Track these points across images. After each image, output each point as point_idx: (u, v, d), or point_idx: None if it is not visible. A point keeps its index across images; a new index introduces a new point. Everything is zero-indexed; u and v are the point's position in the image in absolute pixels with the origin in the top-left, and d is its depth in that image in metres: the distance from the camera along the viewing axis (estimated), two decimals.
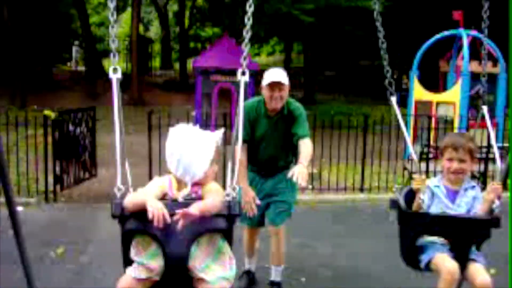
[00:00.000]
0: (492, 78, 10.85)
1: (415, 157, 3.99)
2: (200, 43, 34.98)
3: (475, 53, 12.16)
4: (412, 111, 11.53)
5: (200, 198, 2.59)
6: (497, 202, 3.25)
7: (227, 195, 2.61)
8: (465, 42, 11.21)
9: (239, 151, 2.74)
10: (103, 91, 21.43)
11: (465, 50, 11.12)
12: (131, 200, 2.53)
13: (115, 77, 2.71)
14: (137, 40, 20.85)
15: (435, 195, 3.50)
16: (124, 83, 23.89)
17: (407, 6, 21.70)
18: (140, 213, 2.48)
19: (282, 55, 34.21)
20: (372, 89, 25.70)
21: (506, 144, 9.19)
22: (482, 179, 8.91)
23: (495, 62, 11.74)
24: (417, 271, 3.57)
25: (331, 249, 5.74)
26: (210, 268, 2.59)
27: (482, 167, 8.97)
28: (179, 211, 2.40)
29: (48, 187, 7.41)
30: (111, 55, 2.75)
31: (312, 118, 8.51)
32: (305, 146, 4.04)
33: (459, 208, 3.41)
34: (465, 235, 3.25)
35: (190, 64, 26.79)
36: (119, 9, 30.16)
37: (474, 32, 11.44)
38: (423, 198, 3.42)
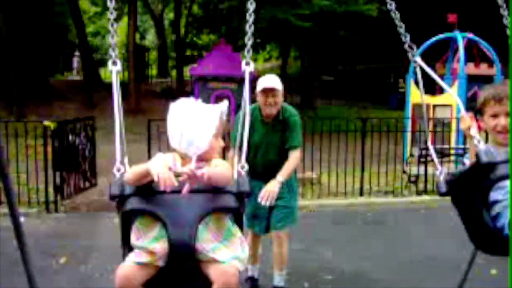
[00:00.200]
0: (488, 80, 10.91)
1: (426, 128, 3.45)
2: (196, 50, 35.00)
3: (471, 56, 12.24)
4: (410, 114, 11.57)
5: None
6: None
7: (236, 172, 2.51)
8: (461, 45, 11.28)
9: (245, 147, 2.66)
10: (100, 101, 21.48)
11: (461, 53, 11.19)
12: (132, 170, 2.37)
13: (115, 69, 2.71)
14: (134, 48, 20.91)
15: None
16: (122, 92, 23.79)
17: (402, 10, 21.80)
18: (141, 190, 2.34)
19: (278, 61, 34.27)
20: (369, 93, 25.78)
21: None
22: None
23: (491, 64, 11.81)
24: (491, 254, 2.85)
25: (332, 253, 5.76)
26: (220, 249, 2.37)
27: None
28: (186, 171, 2.25)
29: (48, 197, 7.43)
30: (110, 49, 2.76)
31: (311, 123, 8.57)
32: (291, 160, 4.23)
33: None
34: None
35: (187, 72, 26.87)
36: (115, 19, 30.24)
37: (469, 35, 11.52)
38: (478, 138, 2.57)
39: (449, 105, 10.96)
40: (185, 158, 2.46)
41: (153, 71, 36.33)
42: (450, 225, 6.98)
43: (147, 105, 20.36)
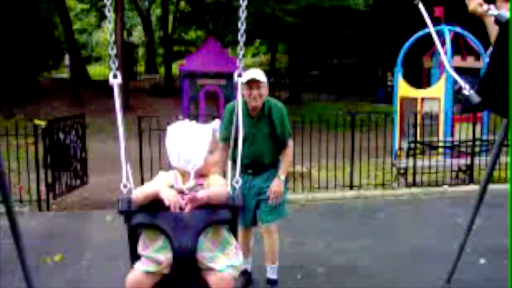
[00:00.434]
0: (475, 73, 11.02)
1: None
2: (184, 46, 34.92)
3: (458, 48, 12.35)
4: (398, 108, 11.67)
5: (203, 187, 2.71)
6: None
7: (231, 186, 2.80)
8: (448, 38, 11.37)
9: (240, 148, 2.91)
10: (88, 99, 21.41)
11: (448, 46, 11.28)
12: (142, 191, 2.64)
13: (116, 82, 2.84)
14: (122, 45, 20.83)
15: None
16: (110, 90, 23.70)
17: (390, 4, 21.91)
18: (147, 207, 2.59)
19: (267, 56, 34.32)
20: (357, 87, 25.89)
21: (491, 137, 9.35)
22: (469, 172, 9.07)
23: (477, 56, 11.92)
24: None
25: (323, 246, 5.83)
26: (219, 258, 2.66)
27: (469, 160, 9.12)
28: (188, 195, 2.55)
29: (40, 196, 7.44)
30: (111, 62, 2.83)
31: (300, 118, 8.63)
32: (287, 152, 4.44)
33: None
34: None
35: (175, 68, 26.79)
36: (102, 15, 30.06)
37: (456, 28, 11.61)
38: (490, 7, 2.53)
39: (437, 98, 11.07)
40: (184, 175, 2.73)
41: (141, 67, 36.23)
42: (439, 216, 7.10)
43: (136, 102, 20.33)
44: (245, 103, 4.30)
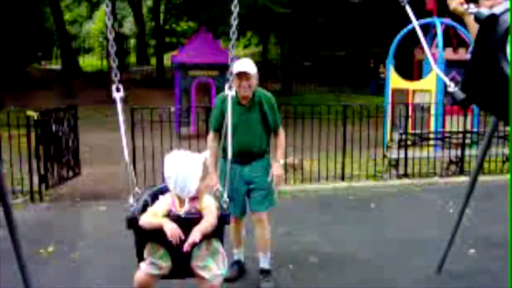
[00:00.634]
0: (467, 65, 11.07)
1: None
2: (176, 37, 34.79)
3: (449, 41, 12.41)
4: (389, 100, 11.72)
5: (197, 211, 3.15)
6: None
7: (220, 207, 3.27)
8: (439, 30, 11.42)
9: (229, 144, 3.20)
10: (79, 90, 21.33)
11: (439, 38, 11.33)
12: (148, 222, 3.08)
13: (118, 96, 2.95)
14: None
15: None
16: (101, 81, 23.79)
17: None
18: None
19: (258, 48, 34.24)
20: (349, 78, 25.93)
21: (482, 129, 9.42)
22: (460, 164, 9.15)
23: (468, 49, 11.98)
24: None
25: (316, 236, 5.88)
26: (208, 267, 3.21)
27: (459, 152, 9.20)
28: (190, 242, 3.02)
29: (33, 187, 7.43)
30: (112, 74, 2.88)
31: (292, 109, 8.66)
32: (279, 140, 4.60)
33: None
34: None
35: (167, 59, 26.67)
36: (93, 6, 29.89)
37: (447, 20, 11.66)
38: (470, 5, 2.58)
39: (428, 91, 11.13)
40: (180, 198, 3.17)
41: (132, 59, 36.09)
42: (429, 207, 7.18)
43: (128, 94, 20.25)
44: (236, 92, 4.38)
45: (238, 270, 4.75)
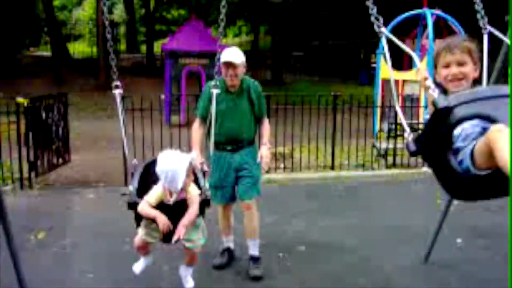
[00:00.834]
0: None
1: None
2: (166, 25, 34.62)
3: (439, 32, 12.46)
4: (379, 90, 11.77)
5: (184, 198, 3.63)
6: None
7: (203, 193, 3.73)
8: (430, 21, 11.47)
9: (212, 136, 3.55)
10: (69, 77, 21.19)
11: (430, 29, 11.38)
12: (145, 213, 3.58)
13: (118, 92, 3.08)
14: (103, 23, 20.59)
15: None
16: (91, 68, 23.68)
17: None
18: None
19: (249, 37, 34.16)
20: (340, 68, 25.97)
21: None
22: None
23: None
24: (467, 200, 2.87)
25: (305, 225, 5.93)
26: (193, 240, 3.81)
27: None
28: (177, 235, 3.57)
29: (23, 174, 7.42)
30: (112, 72, 2.97)
31: (283, 98, 8.68)
32: (265, 126, 4.67)
33: None
34: None
35: (157, 47, 26.51)
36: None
37: (438, 12, 11.71)
38: (434, 88, 2.59)
39: (418, 81, 11.17)
40: (170, 190, 3.61)
41: (122, 46, 35.87)
42: (418, 197, 7.25)
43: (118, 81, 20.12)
44: (223, 81, 4.42)
45: (228, 257, 4.79)
